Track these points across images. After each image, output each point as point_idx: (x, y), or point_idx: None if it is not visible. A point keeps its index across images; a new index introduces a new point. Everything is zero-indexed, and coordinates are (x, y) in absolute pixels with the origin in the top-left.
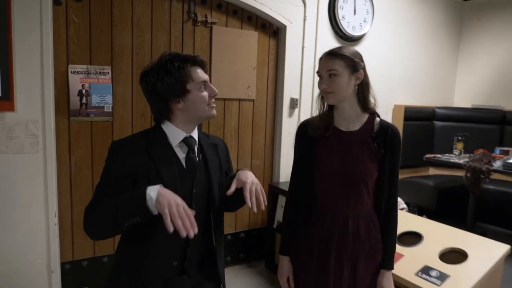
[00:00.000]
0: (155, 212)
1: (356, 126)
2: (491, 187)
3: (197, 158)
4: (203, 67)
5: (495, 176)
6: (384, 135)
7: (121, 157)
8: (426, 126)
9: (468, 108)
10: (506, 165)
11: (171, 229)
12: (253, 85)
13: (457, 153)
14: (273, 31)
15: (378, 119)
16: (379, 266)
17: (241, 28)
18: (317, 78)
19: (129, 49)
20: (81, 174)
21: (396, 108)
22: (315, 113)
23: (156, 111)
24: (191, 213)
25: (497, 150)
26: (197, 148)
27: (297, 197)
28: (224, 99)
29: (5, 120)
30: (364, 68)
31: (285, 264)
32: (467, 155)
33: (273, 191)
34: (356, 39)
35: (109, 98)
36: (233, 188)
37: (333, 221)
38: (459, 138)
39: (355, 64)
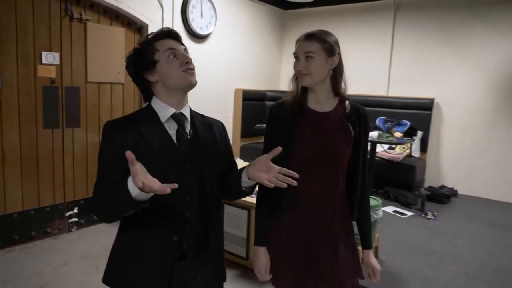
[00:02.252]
0: (144, 197)
1: (329, 107)
2: None
3: (188, 135)
4: (174, 38)
5: None
6: (357, 115)
7: (114, 134)
8: (259, 105)
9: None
10: None
11: (168, 190)
12: (122, 71)
13: None
14: (137, 28)
15: (347, 101)
16: (362, 247)
17: (111, 25)
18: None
19: (14, 38)
20: None
21: (236, 91)
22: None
23: (141, 91)
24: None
25: None
26: (189, 126)
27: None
28: (99, 83)
29: None
30: (339, 54)
31: (262, 255)
32: None
33: None
34: (204, 37)
35: None
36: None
37: (311, 204)
38: None
39: (332, 48)
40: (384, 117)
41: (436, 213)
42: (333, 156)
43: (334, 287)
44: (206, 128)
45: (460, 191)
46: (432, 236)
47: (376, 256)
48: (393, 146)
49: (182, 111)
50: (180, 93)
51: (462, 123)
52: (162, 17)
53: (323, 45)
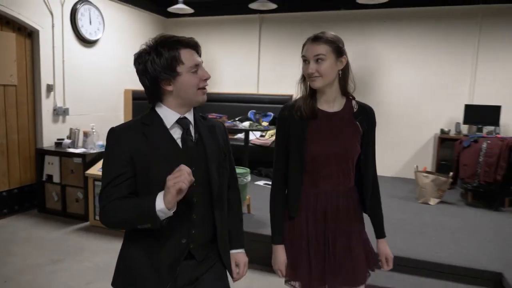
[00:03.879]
0: (164, 216)
1: (338, 107)
2: None
3: (193, 139)
4: (196, 49)
5: None
6: (364, 113)
7: (120, 141)
8: (147, 104)
9: None
10: None
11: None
12: (14, 74)
13: None
14: (28, 33)
15: (354, 101)
16: (376, 236)
17: (1, 30)
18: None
19: None
20: None
21: (126, 91)
22: (70, 94)
23: (149, 93)
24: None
25: None
26: (193, 129)
27: (284, 183)
28: None
29: None
30: (346, 54)
31: (280, 253)
32: None
33: (40, 152)
34: (93, 42)
35: None
36: (235, 273)
37: (325, 200)
38: None
39: (340, 50)
40: (254, 110)
41: None
42: (344, 154)
43: (349, 281)
44: (210, 131)
45: None
46: None
47: (248, 212)
48: (263, 134)
49: (186, 115)
50: (190, 106)
51: None
52: (52, 23)
53: (332, 46)
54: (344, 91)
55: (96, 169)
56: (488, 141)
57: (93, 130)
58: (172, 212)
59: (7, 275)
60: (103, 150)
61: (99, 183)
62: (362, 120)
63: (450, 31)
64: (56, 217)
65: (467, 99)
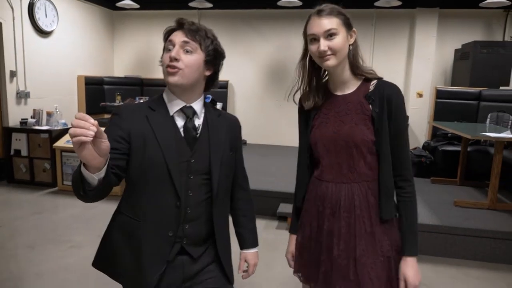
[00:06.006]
0: (91, 180)
1: (350, 89)
2: None
3: (198, 130)
4: (184, 29)
5: None
6: (379, 93)
7: (121, 118)
8: (99, 88)
9: (122, 76)
10: None
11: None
12: None
13: (118, 102)
14: None
15: (375, 81)
16: (400, 253)
17: None
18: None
19: None
20: None
21: (79, 77)
22: (31, 79)
23: None
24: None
25: (137, 98)
26: (203, 120)
27: (304, 172)
28: None
29: None
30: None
31: (290, 242)
32: (122, 102)
33: (7, 130)
34: (49, 33)
35: None
36: (242, 269)
37: (326, 192)
38: (118, 93)
39: (349, 22)
40: None
41: None
42: (345, 139)
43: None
44: (219, 124)
45: (248, 141)
46: None
47: None
48: None
49: (193, 105)
50: (175, 89)
51: (246, 96)
52: (13, 16)
53: (342, 19)
54: (356, 69)
55: (63, 142)
56: None
57: (57, 110)
58: (98, 175)
59: (0, 223)
60: (66, 127)
61: (66, 154)
62: (375, 100)
63: None
64: (25, 185)
65: None
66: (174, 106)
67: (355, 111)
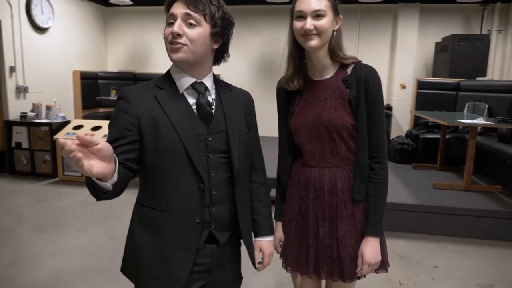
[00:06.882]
0: (103, 187)
1: (328, 74)
2: None
3: (212, 106)
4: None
5: None
6: (356, 75)
7: (128, 102)
8: (94, 83)
9: (116, 71)
10: None
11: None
12: None
13: (113, 96)
14: None
15: (352, 65)
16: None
17: None
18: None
19: None
20: None
21: (74, 72)
22: (29, 74)
23: None
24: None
25: None
26: (215, 96)
27: (286, 158)
28: None
29: None
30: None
31: (278, 229)
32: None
33: (8, 124)
34: (45, 29)
35: None
36: (257, 260)
37: (309, 177)
38: (113, 87)
39: (337, 8)
40: None
41: None
42: (325, 125)
43: (336, 272)
44: (233, 99)
45: None
46: None
47: None
48: None
49: (204, 80)
50: (182, 66)
51: None
52: (11, 13)
53: (332, 3)
54: (336, 55)
55: (63, 134)
56: None
57: (56, 104)
58: (109, 183)
59: (8, 210)
60: (65, 120)
61: None
62: (352, 84)
63: None
64: (27, 176)
65: None
66: (184, 83)
67: (334, 96)
